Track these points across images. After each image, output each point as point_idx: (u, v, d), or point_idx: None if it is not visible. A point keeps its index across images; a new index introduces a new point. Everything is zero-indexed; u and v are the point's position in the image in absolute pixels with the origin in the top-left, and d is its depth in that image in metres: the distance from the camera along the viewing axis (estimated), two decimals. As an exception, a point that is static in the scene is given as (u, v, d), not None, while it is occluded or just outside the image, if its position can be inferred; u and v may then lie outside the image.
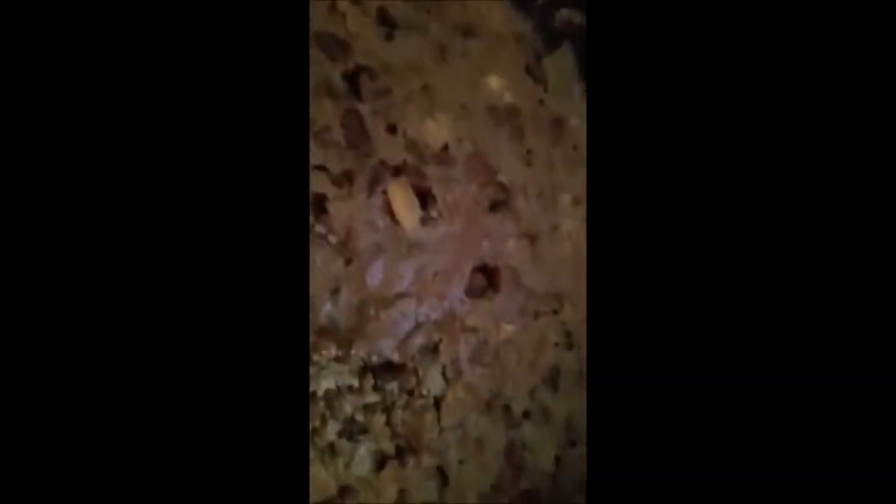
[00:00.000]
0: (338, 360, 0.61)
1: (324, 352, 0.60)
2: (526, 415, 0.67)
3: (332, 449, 0.63)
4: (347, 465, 0.63)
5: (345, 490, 0.63)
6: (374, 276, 0.63)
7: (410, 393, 0.65)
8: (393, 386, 0.64)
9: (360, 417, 0.64)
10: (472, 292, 0.65)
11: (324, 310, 0.62)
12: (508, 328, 0.65)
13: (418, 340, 0.63)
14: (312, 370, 0.60)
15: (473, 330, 0.65)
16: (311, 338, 0.60)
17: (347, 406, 0.63)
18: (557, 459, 0.68)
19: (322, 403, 0.62)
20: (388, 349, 0.62)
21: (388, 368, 0.64)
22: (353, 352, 0.61)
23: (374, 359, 0.62)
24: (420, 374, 0.64)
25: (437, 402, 0.65)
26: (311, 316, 0.61)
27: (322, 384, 0.61)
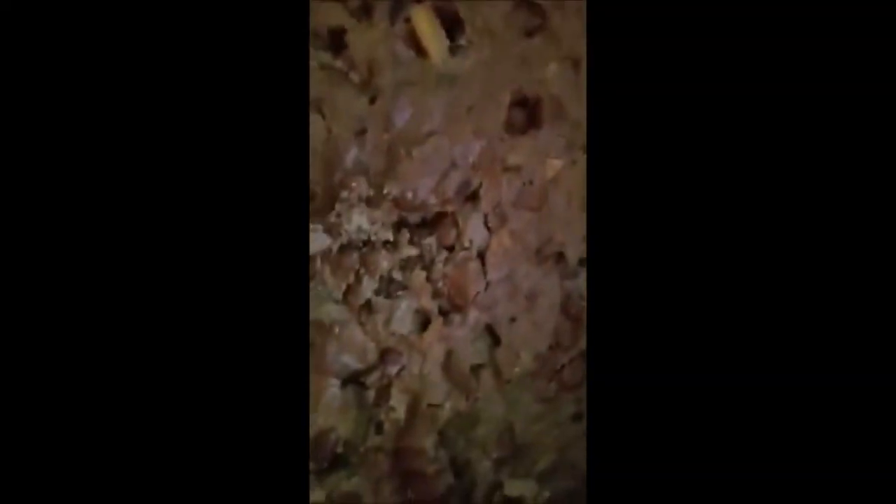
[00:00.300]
0: (369, 202, 0.56)
1: (353, 184, 0.55)
2: (582, 262, 0.59)
3: (368, 307, 0.57)
4: (387, 323, 0.57)
5: (386, 353, 0.58)
6: (402, 114, 0.56)
7: (451, 248, 0.58)
8: (431, 241, 0.58)
9: (397, 276, 0.58)
10: (512, 128, 0.58)
11: (349, 154, 0.56)
12: (556, 164, 0.58)
13: (455, 181, 0.57)
14: (341, 207, 0.55)
15: (516, 169, 0.58)
16: (338, 176, 0.55)
17: (384, 262, 0.57)
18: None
19: (355, 255, 0.57)
20: (423, 191, 0.56)
21: (425, 223, 0.58)
22: (385, 191, 0.55)
23: (409, 196, 0.56)
24: (460, 223, 0.58)
25: (481, 254, 0.58)
26: (336, 160, 0.55)
27: (354, 221, 0.55)
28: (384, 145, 0.56)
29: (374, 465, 0.59)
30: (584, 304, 0.59)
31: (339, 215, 0.55)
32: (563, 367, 0.60)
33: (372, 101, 0.55)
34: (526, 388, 0.60)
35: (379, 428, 0.58)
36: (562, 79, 0.58)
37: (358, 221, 0.55)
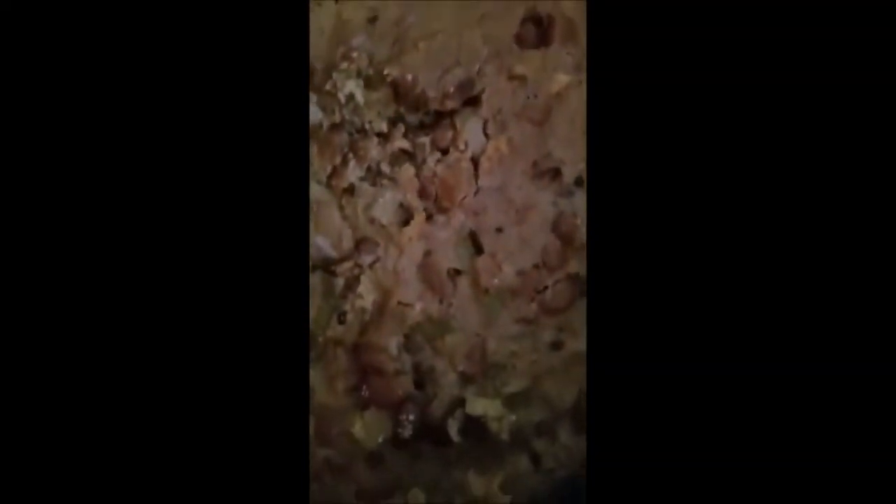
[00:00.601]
0: (367, 83, 0.55)
1: (354, 55, 0.55)
2: (578, 181, 0.57)
3: (351, 191, 0.56)
4: (367, 209, 0.56)
5: (362, 242, 0.56)
6: (415, 12, 0.57)
7: (445, 151, 0.57)
8: (426, 140, 0.57)
9: (385, 169, 0.57)
10: (522, 42, 0.58)
11: (356, 39, 0.56)
12: (563, 79, 0.57)
13: (458, 78, 0.56)
14: (338, 77, 0.55)
15: (522, 79, 0.57)
16: (341, 51, 0.55)
17: (373, 151, 0.57)
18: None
19: (345, 137, 0.56)
20: (424, 81, 0.56)
21: (422, 126, 0.57)
22: (385, 72, 0.55)
23: (409, 80, 0.55)
24: (458, 126, 0.57)
25: (475, 159, 0.57)
26: (342, 42, 0.56)
27: (346, 87, 0.55)
28: (392, 36, 0.57)
29: (332, 358, 0.56)
30: (578, 223, 0.56)
31: (334, 85, 0.55)
32: (546, 287, 0.56)
33: (386, -6, 0.57)
34: (505, 305, 0.56)
35: (342, 318, 0.56)
36: (577, 3, 0.58)
37: (352, 89, 0.55)
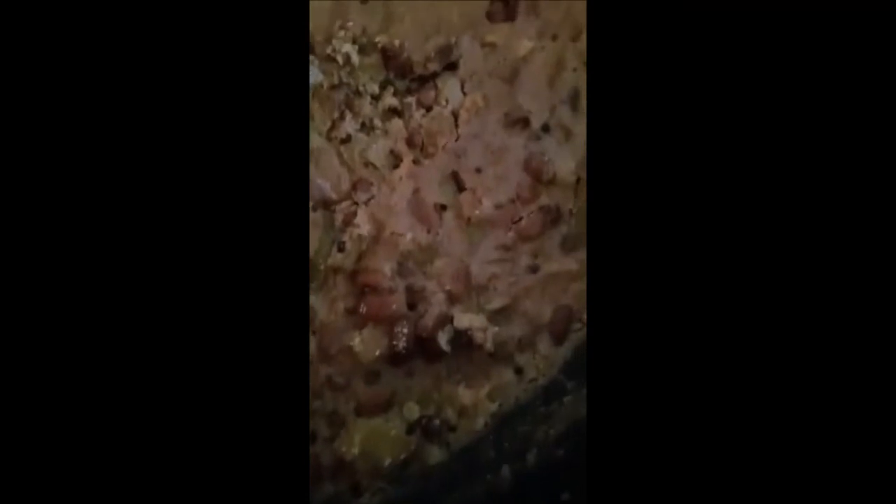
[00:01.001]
0: (361, 50, 0.64)
1: (350, 24, 0.63)
2: (545, 128, 0.65)
3: (348, 139, 0.64)
4: (363, 153, 0.64)
5: (358, 182, 0.63)
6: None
7: (429, 109, 0.66)
8: (412, 100, 0.66)
9: (377, 123, 0.65)
10: (492, 17, 0.67)
11: (351, 10, 0.65)
12: (528, 45, 0.66)
13: (437, 44, 0.65)
14: (336, 42, 0.63)
15: (492, 46, 0.66)
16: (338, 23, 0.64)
17: (367, 107, 0.65)
18: (578, 180, 0.64)
19: (343, 95, 0.64)
20: (409, 46, 0.64)
21: (409, 91, 0.66)
22: (376, 40, 0.64)
23: (396, 44, 0.64)
24: (439, 86, 0.65)
25: (455, 113, 0.65)
26: (337, 16, 0.65)
27: (343, 48, 0.63)
28: (382, 10, 0.66)
29: (332, 285, 0.62)
30: (546, 161, 0.64)
31: (333, 49, 0.64)
32: (521, 218, 0.64)
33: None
34: (485, 234, 0.63)
35: (341, 247, 0.62)
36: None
37: (348, 51, 0.63)
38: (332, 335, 0.62)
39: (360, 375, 0.62)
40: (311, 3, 0.64)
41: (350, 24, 0.64)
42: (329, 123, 0.64)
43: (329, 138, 0.64)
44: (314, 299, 0.62)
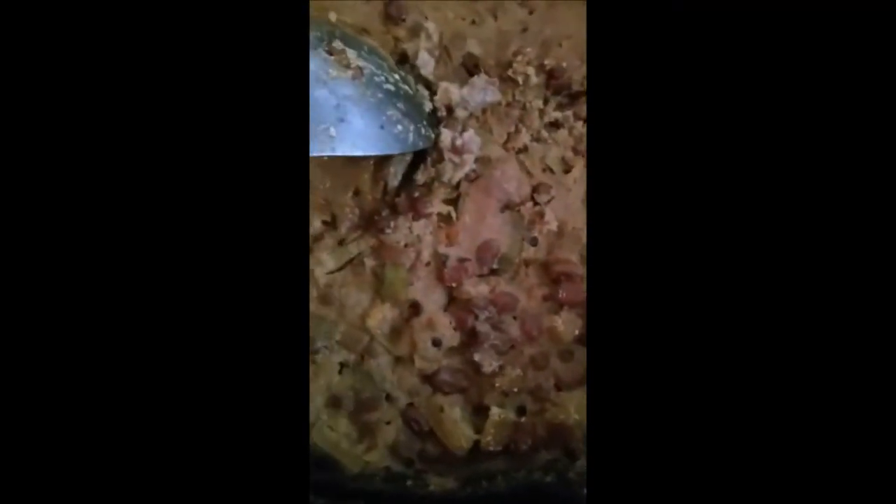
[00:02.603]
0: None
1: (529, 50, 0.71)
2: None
3: (524, 149, 0.72)
4: (542, 159, 0.72)
5: (539, 186, 0.72)
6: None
7: (584, 120, 0.74)
8: (569, 113, 0.74)
9: (545, 134, 0.73)
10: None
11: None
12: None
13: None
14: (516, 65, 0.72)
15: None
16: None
17: (536, 121, 0.73)
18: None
19: (516, 112, 0.72)
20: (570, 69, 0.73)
21: (561, 104, 0.74)
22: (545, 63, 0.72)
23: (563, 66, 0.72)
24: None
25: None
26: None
27: (527, 70, 0.71)
28: (539, 37, 0.75)
29: (525, 275, 0.70)
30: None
31: (514, 72, 0.72)
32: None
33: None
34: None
35: (534, 242, 0.70)
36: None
37: (529, 72, 0.72)
38: (532, 319, 0.69)
39: (555, 355, 0.70)
40: (480, 30, 0.73)
41: (528, 49, 0.72)
42: (505, 136, 0.73)
43: (506, 149, 0.72)
44: (511, 288, 0.69)
